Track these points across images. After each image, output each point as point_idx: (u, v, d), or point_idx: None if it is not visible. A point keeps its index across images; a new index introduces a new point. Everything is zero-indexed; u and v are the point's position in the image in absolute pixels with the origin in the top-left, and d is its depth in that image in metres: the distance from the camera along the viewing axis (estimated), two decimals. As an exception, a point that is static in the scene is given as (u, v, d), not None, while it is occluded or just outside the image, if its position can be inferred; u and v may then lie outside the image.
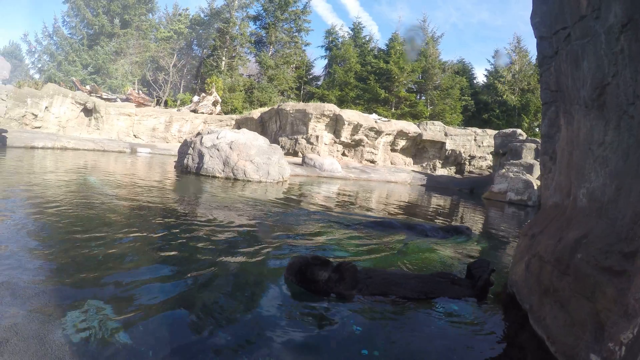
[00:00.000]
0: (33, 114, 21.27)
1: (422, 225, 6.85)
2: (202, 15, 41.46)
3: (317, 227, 6.18)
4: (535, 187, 15.68)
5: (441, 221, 8.79)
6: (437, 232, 6.46)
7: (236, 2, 37.90)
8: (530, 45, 38.32)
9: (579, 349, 2.12)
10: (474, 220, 9.96)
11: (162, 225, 5.04)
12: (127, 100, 28.48)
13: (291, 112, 24.01)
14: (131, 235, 4.38)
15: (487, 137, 25.52)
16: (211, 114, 29.40)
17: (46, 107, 21.97)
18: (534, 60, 35.66)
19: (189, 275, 3.35)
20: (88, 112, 23.99)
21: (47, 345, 2.14)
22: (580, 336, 2.15)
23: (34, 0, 65.47)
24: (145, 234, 4.52)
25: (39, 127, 21.38)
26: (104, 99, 26.58)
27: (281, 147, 19.76)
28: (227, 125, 26.62)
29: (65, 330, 2.29)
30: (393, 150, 26.29)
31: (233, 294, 3.18)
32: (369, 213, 8.61)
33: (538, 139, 18.58)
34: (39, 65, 37.69)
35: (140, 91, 33.91)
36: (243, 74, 38.95)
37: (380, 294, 3.33)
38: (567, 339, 2.29)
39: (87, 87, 29.93)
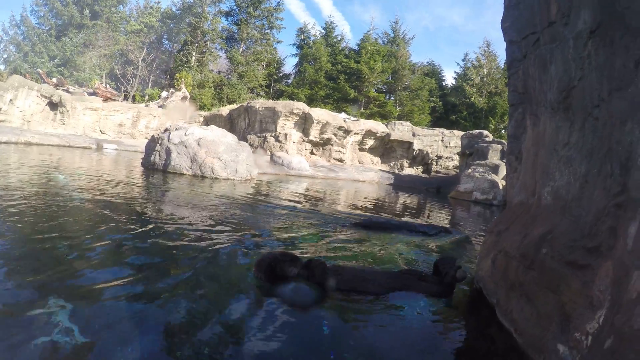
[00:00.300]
0: (-3, 107, 20.38)
1: (410, 223, 6.97)
2: (173, 9, 40.74)
3: (297, 226, 6.17)
4: (501, 187, 16.17)
5: (409, 218, 8.93)
6: (427, 230, 6.61)
7: (209, -4, 37.36)
8: (499, 49, 39.56)
9: (546, 339, 2.20)
10: (441, 218, 10.17)
11: (130, 229, 4.86)
12: (94, 94, 27.61)
13: (260, 109, 23.84)
14: (98, 242, 4.07)
15: (454, 138, 26.10)
16: (179, 109, 28.87)
17: (10, 100, 21.05)
18: (502, 64, 36.77)
19: (158, 284, 3.18)
20: (54, 106, 23.12)
21: None
22: (547, 327, 2.24)
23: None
24: (112, 238, 4.29)
25: (3, 121, 20.46)
26: (70, 93, 25.69)
27: (250, 144, 19.59)
28: (195, 122, 26.18)
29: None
30: (361, 149, 26.52)
31: (202, 299, 3.05)
32: (343, 210, 8.66)
33: (504, 141, 19.17)
34: (5, 56, 35.99)
35: (107, 85, 32.92)
36: (213, 70, 38.40)
37: (350, 289, 3.36)
38: (534, 330, 2.38)
39: (54, 79, 28.85)
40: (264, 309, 2.93)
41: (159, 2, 42.20)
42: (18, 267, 3.15)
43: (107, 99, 27.12)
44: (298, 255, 3.68)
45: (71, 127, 23.33)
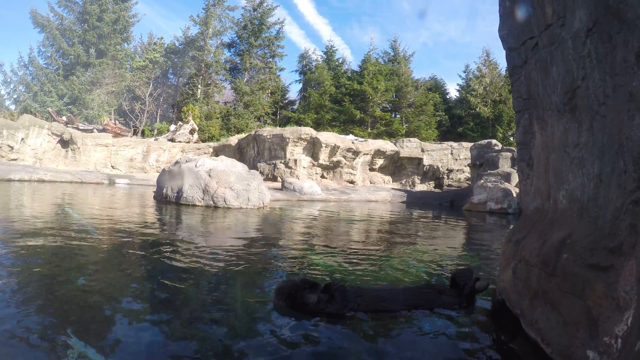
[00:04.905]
0: (9, 145, 20.96)
1: None
2: (177, 43, 41.70)
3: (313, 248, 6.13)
4: (514, 195, 15.97)
5: (425, 234, 8.82)
6: None
7: (210, 30, 38.24)
8: (499, 57, 39.71)
9: (575, 347, 2.13)
10: (456, 232, 10.04)
11: (147, 261, 4.88)
12: (104, 130, 28.21)
13: (268, 137, 24.06)
14: (115, 275, 4.13)
15: (463, 150, 25.99)
16: (188, 142, 29.25)
17: (22, 139, 21.70)
18: (503, 72, 36.85)
19: (178, 315, 3.14)
20: (65, 143, 23.71)
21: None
22: (574, 334, 2.16)
23: (9, 30, 65.13)
24: (129, 270, 4.33)
25: (16, 159, 21.00)
26: (81, 130, 26.29)
27: (260, 172, 19.68)
28: (205, 153, 26.50)
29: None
30: (372, 169, 26.49)
31: (224, 327, 3.07)
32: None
33: (513, 148, 19.05)
34: (15, 96, 37.07)
35: (116, 121, 33.59)
36: (219, 101, 39.04)
37: (371, 310, 3.31)
38: (561, 339, 2.30)
39: (64, 117, 29.59)
40: (287, 331, 2.88)
41: (162, 38, 43.37)
42: (33, 301, 3.15)
43: (117, 135, 27.67)
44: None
45: (83, 163, 23.82)
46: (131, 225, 7.66)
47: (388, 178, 26.99)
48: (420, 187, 26.27)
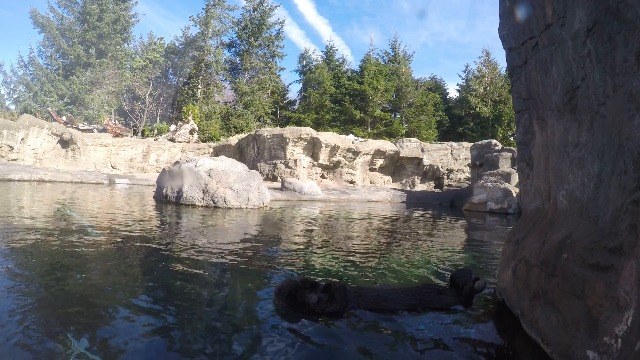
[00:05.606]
0: (9, 145, 21.01)
1: None
2: (177, 43, 41.66)
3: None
4: (514, 195, 15.97)
5: (425, 234, 8.82)
6: None
7: (210, 30, 38.24)
8: (500, 57, 39.82)
9: (575, 347, 2.13)
10: (456, 231, 10.03)
11: (148, 261, 4.88)
12: (104, 130, 28.22)
13: (268, 137, 24.05)
14: (116, 276, 4.14)
15: (463, 150, 25.99)
16: (189, 142, 29.25)
17: (22, 139, 21.75)
18: (503, 72, 36.88)
19: (178, 315, 3.15)
20: (65, 143, 23.74)
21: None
22: (574, 334, 2.16)
23: (9, 30, 65.14)
24: (130, 272, 4.33)
25: (16, 159, 21.03)
26: (81, 130, 26.30)
27: (260, 172, 19.68)
28: (205, 153, 26.50)
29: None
30: (372, 169, 26.49)
31: (225, 329, 3.08)
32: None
33: (513, 148, 19.07)
34: (15, 96, 37.01)
35: (116, 121, 33.60)
36: (219, 102, 39.04)
37: (371, 310, 3.31)
38: (561, 339, 2.30)
39: (64, 118, 29.61)
40: (288, 332, 2.88)
41: (162, 38, 43.30)
42: (35, 302, 3.15)
43: (117, 135, 27.69)
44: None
45: (83, 163, 23.85)
46: (131, 225, 7.66)
47: (388, 178, 26.98)
48: (420, 187, 26.27)
